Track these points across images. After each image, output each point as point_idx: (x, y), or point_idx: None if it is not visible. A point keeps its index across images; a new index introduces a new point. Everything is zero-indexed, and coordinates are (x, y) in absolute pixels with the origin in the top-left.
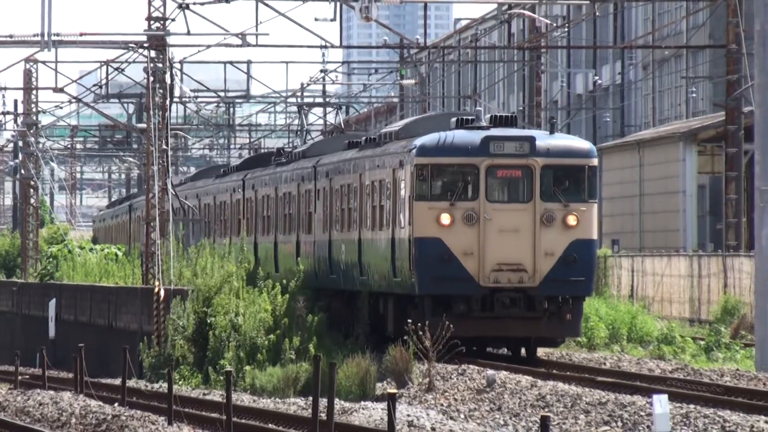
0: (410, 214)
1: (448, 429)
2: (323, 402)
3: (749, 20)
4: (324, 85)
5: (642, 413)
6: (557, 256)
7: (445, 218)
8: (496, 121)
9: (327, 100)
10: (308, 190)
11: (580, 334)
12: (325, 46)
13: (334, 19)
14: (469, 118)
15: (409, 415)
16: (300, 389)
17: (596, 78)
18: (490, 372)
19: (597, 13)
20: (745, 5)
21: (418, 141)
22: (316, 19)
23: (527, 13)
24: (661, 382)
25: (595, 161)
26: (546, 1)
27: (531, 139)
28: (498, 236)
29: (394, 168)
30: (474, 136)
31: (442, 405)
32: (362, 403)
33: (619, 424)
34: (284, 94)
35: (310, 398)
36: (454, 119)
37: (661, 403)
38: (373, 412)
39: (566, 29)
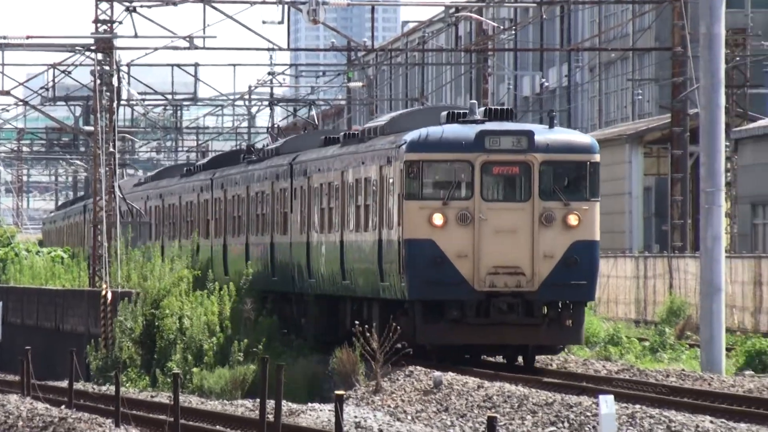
0: (400, 214)
1: (395, 430)
2: (271, 403)
3: (695, 23)
4: (272, 88)
5: (588, 414)
6: (557, 259)
7: (438, 218)
8: (491, 115)
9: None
10: (284, 188)
11: (582, 342)
12: (273, 49)
13: (281, 22)
14: (461, 111)
15: (356, 417)
16: (248, 391)
17: (543, 80)
18: (437, 373)
19: (544, 16)
20: (690, 8)
21: (408, 136)
22: (263, 22)
23: (474, 15)
24: (607, 382)
25: (597, 157)
26: (493, 4)
27: (529, 134)
28: (494, 237)
29: (381, 165)
30: (468, 131)
31: (389, 406)
32: (310, 404)
33: (566, 424)
34: (232, 97)
35: (258, 400)
36: (444, 113)
37: (607, 404)
38: (321, 413)
39: (513, 32)
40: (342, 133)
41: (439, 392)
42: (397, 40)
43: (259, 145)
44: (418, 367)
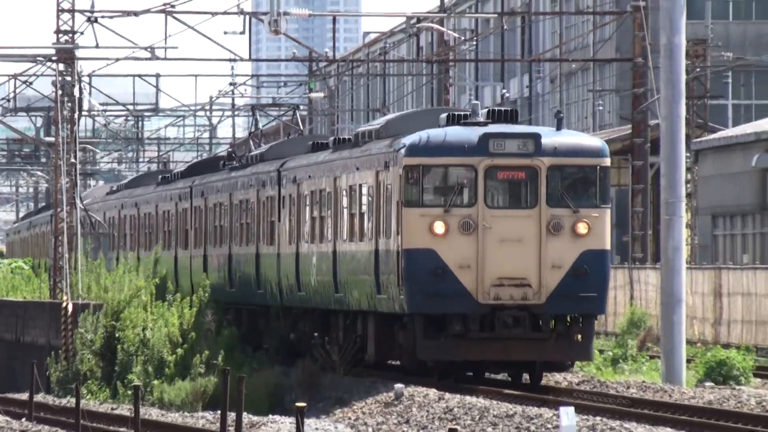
0: (398, 222)
1: None
2: (232, 416)
3: (655, 34)
4: (233, 98)
5: (549, 426)
6: (566, 269)
7: (439, 227)
8: (494, 116)
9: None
10: (271, 196)
11: (592, 358)
12: (234, 60)
13: (243, 33)
14: (462, 113)
15: (317, 429)
16: (209, 403)
17: (504, 91)
18: (398, 385)
19: (505, 27)
20: (651, 19)
21: (407, 139)
22: (225, 33)
23: (435, 26)
24: (568, 394)
25: (607, 161)
26: (454, 15)
27: (536, 137)
28: (499, 247)
29: (378, 170)
30: (471, 133)
31: (350, 418)
32: (271, 416)
33: None
34: (193, 108)
35: (219, 412)
36: (444, 115)
37: (567, 416)
38: (282, 425)
39: (474, 42)
40: (332, 138)
41: (401, 404)
42: (359, 50)
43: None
44: (380, 379)
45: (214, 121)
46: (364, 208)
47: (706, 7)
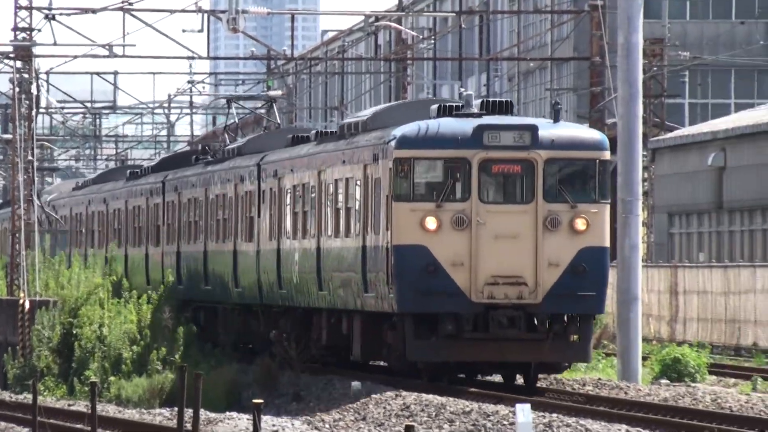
0: (388, 218)
1: None
2: (189, 412)
3: (612, 33)
4: (191, 96)
5: (505, 422)
6: (563, 267)
7: (431, 222)
8: (488, 107)
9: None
10: (249, 191)
11: (589, 359)
12: (193, 57)
13: (201, 31)
14: (454, 104)
15: (274, 425)
16: (166, 400)
17: (462, 89)
18: (355, 383)
19: (463, 26)
20: (608, 18)
21: (398, 131)
22: (183, 31)
23: (394, 25)
24: (526, 391)
25: (607, 154)
26: (412, 14)
27: (532, 128)
28: (493, 243)
29: (366, 164)
30: (464, 125)
31: (307, 415)
32: (228, 413)
33: None
34: (151, 105)
35: (176, 408)
36: (434, 106)
37: (524, 413)
38: (239, 421)
39: (432, 41)
40: (314, 131)
41: (357, 401)
42: (317, 48)
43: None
44: (337, 376)
45: (173, 118)
46: (351, 203)
47: (663, 6)
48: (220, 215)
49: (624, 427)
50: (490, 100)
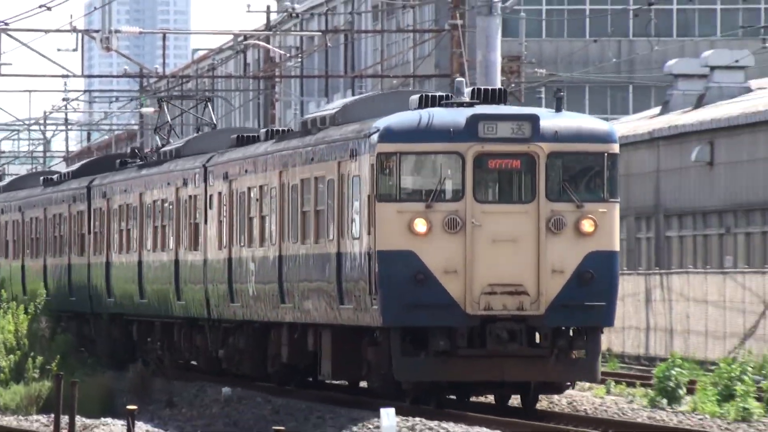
0: (370, 220)
1: None
2: (65, 419)
3: (472, 51)
4: (66, 113)
5: (370, 426)
6: (568, 274)
7: (420, 224)
8: (481, 96)
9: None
10: (194, 195)
11: (597, 379)
12: (67, 76)
13: (75, 50)
14: (438, 95)
15: (147, 431)
16: (43, 407)
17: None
18: (226, 388)
19: (329, 44)
20: (468, 37)
21: (380, 122)
22: (58, 50)
23: (262, 43)
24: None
25: (616, 147)
26: (280, 33)
27: (533, 118)
28: (490, 248)
29: (340, 161)
30: (456, 115)
31: (179, 421)
32: (103, 419)
33: None
34: (27, 122)
35: (53, 415)
36: (415, 96)
37: (388, 417)
38: (114, 427)
39: (299, 59)
40: (264, 130)
41: (228, 406)
42: (188, 67)
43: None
44: (208, 383)
45: (48, 135)
46: (321, 205)
47: (520, 25)
48: (158, 222)
49: (484, 429)
50: (482, 88)
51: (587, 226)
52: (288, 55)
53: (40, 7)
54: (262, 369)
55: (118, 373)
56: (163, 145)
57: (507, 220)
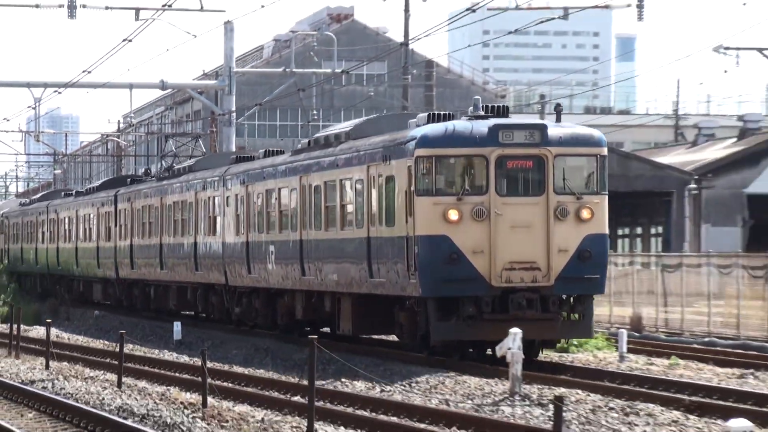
0: (408, 211)
1: None
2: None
3: (221, 144)
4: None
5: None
6: (571, 253)
7: (453, 214)
8: (490, 111)
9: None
10: (212, 197)
11: (592, 335)
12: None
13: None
14: (443, 113)
15: (57, 331)
16: (4, 321)
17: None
18: (96, 311)
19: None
20: (219, 137)
21: (417, 132)
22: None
23: (115, 139)
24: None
25: (605, 150)
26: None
27: (542, 128)
28: (509, 232)
29: (369, 164)
30: (479, 126)
31: (71, 327)
32: (34, 326)
33: None
34: None
35: (9, 324)
36: (423, 114)
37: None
38: (41, 330)
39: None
40: (263, 150)
41: (100, 320)
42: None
43: None
44: (89, 308)
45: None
46: (347, 200)
47: (245, 129)
48: (177, 217)
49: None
50: (489, 105)
51: (585, 213)
52: None
53: None
54: (272, 323)
55: (42, 303)
56: (171, 166)
57: (522, 210)
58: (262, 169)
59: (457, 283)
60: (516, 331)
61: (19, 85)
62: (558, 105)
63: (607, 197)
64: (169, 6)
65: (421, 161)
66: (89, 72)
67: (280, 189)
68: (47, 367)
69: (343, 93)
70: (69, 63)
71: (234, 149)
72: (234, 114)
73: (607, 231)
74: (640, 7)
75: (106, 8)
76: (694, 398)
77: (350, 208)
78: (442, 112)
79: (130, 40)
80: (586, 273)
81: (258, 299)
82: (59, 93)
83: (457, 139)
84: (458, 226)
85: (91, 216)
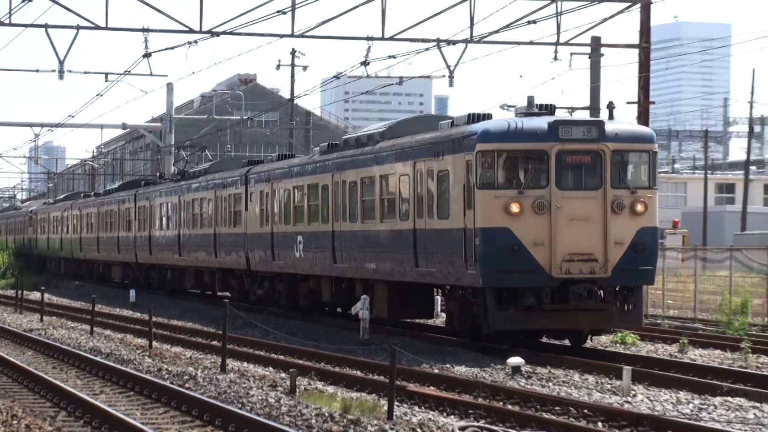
0: (468, 204)
1: None
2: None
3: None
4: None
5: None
6: (626, 245)
7: (515, 207)
8: (540, 109)
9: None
10: (233, 194)
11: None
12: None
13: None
14: (483, 113)
15: (49, 297)
16: (12, 286)
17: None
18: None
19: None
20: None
21: (477, 127)
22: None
23: (90, 164)
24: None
25: (656, 147)
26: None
27: (600, 124)
28: (568, 225)
29: (415, 161)
30: (539, 122)
31: (60, 293)
32: (34, 292)
33: None
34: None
35: (16, 289)
36: (463, 114)
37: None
38: (36, 294)
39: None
40: (276, 154)
41: (80, 289)
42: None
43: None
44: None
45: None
46: (389, 195)
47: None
48: (196, 212)
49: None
50: (540, 103)
51: (639, 207)
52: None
53: None
54: (294, 304)
55: (40, 276)
56: (183, 169)
57: (581, 203)
58: (289, 168)
59: (518, 274)
60: (365, 297)
61: (24, 125)
62: (610, 102)
63: (657, 192)
64: (128, 72)
65: (483, 155)
66: (72, 116)
67: (308, 185)
68: (41, 320)
69: (249, 133)
70: (58, 109)
71: (173, 171)
72: (173, 146)
73: (657, 224)
74: (451, 77)
75: (85, 72)
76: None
77: (392, 201)
78: (480, 112)
79: (101, 95)
80: (640, 265)
81: (281, 283)
82: (51, 131)
83: (518, 135)
84: (519, 218)
85: (112, 211)
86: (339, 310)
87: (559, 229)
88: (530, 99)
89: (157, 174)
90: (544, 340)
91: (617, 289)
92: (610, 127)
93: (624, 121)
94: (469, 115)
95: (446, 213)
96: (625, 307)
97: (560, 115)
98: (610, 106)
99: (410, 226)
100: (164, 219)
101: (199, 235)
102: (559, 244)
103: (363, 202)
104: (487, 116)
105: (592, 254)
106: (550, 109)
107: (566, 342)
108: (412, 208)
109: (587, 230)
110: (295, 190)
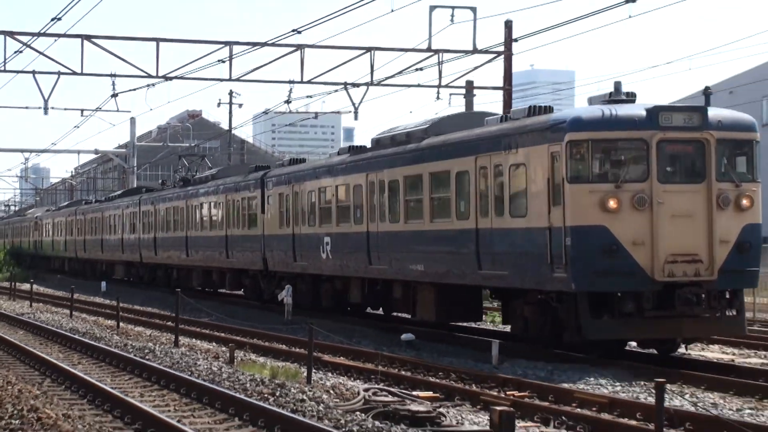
0: (554, 200)
1: None
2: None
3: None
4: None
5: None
6: (731, 244)
7: (612, 202)
8: (624, 96)
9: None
10: (247, 197)
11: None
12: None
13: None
14: (542, 106)
15: (41, 288)
16: (8, 279)
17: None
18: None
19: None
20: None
21: (566, 114)
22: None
23: (71, 181)
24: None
25: (759, 135)
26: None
27: (702, 110)
28: (671, 222)
29: (477, 156)
30: (637, 108)
31: (50, 284)
32: (25, 283)
33: None
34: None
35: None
36: (523, 108)
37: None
38: (26, 285)
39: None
40: (288, 158)
41: (62, 280)
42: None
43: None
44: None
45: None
46: (441, 193)
47: None
48: (205, 214)
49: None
50: (623, 90)
51: (745, 202)
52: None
53: None
54: (317, 303)
55: (30, 271)
56: (186, 177)
57: (684, 198)
58: (314, 169)
59: (616, 277)
60: (288, 286)
61: (16, 150)
62: (707, 87)
63: (761, 185)
64: (100, 108)
65: (574, 146)
66: (55, 144)
67: (337, 186)
68: (31, 306)
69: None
70: (43, 137)
71: (176, 178)
72: (135, 167)
73: (761, 220)
74: (356, 112)
75: (65, 109)
76: None
77: (445, 200)
78: (541, 105)
79: (78, 127)
80: (746, 265)
81: (303, 284)
82: (38, 155)
83: (613, 122)
84: (617, 215)
85: (116, 216)
86: (369, 310)
87: (661, 226)
88: (617, 84)
89: (160, 182)
90: (629, 347)
91: (723, 292)
92: (712, 113)
93: (719, 108)
94: (530, 107)
95: (522, 210)
96: (728, 313)
97: (652, 103)
98: (706, 92)
99: (472, 226)
100: (170, 221)
101: (208, 236)
102: (662, 243)
103: (407, 202)
104: (549, 109)
105: (697, 254)
106: (630, 96)
107: (653, 351)
108: (473, 206)
109: (691, 228)
110: (320, 192)
